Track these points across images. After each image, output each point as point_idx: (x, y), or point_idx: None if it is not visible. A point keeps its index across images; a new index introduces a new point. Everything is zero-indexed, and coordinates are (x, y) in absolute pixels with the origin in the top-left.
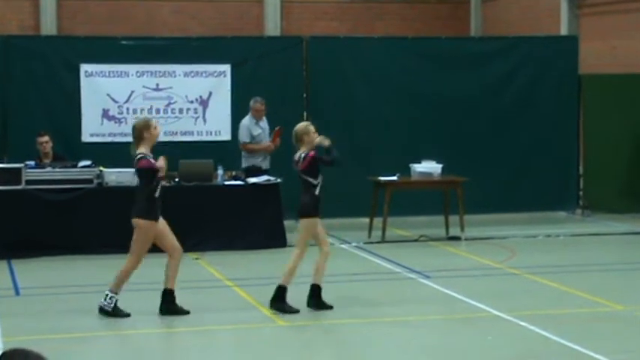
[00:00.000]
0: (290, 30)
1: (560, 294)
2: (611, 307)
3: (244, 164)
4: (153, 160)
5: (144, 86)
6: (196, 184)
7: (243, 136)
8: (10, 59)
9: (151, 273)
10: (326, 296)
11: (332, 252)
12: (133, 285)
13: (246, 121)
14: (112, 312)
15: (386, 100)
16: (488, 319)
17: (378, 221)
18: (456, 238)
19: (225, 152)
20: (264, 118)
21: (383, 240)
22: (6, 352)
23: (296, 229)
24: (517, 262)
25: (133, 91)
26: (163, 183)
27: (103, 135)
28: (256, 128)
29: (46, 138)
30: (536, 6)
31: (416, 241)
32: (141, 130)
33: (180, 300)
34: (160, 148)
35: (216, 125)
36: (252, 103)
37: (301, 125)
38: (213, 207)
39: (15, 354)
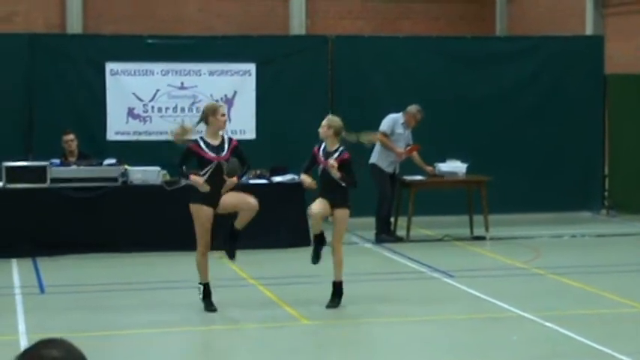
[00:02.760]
0: (315, 29)
1: (586, 294)
2: (637, 308)
3: (371, 160)
4: (205, 149)
5: (169, 85)
6: None
7: (385, 126)
8: (36, 58)
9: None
10: (351, 295)
11: (357, 251)
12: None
13: (397, 116)
14: None
15: (410, 100)
16: (513, 319)
17: (402, 220)
18: (481, 238)
19: (250, 151)
20: (410, 129)
21: (407, 239)
22: (43, 341)
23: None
24: (542, 263)
25: (158, 90)
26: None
27: (128, 133)
28: (400, 128)
29: (71, 136)
30: (561, 6)
31: (440, 240)
32: (207, 114)
33: None
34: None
35: (241, 124)
36: (414, 110)
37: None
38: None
39: (52, 343)
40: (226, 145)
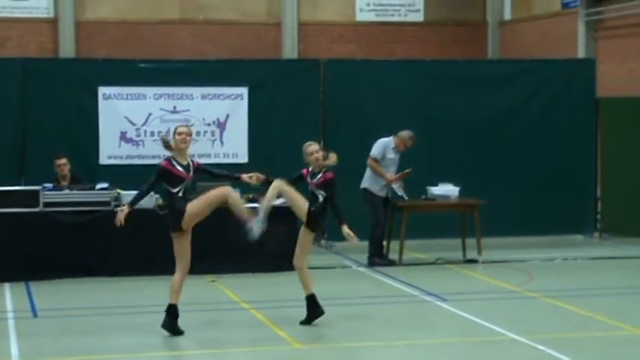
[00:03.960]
0: (307, 53)
1: (579, 317)
2: (630, 331)
3: (363, 184)
4: (178, 167)
5: (161, 109)
6: None
7: (375, 151)
8: (29, 82)
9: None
10: (343, 318)
11: (350, 274)
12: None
13: (388, 140)
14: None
15: (403, 123)
16: (506, 343)
17: (395, 244)
18: (473, 261)
19: None
20: (399, 154)
21: (400, 262)
22: None
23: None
24: (535, 286)
25: (150, 114)
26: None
27: (121, 157)
28: (391, 153)
29: (63, 160)
30: (553, 29)
31: (433, 263)
32: (167, 140)
33: (196, 321)
34: None
35: (234, 148)
36: (406, 135)
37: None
38: (229, 229)
39: None
40: (191, 167)
